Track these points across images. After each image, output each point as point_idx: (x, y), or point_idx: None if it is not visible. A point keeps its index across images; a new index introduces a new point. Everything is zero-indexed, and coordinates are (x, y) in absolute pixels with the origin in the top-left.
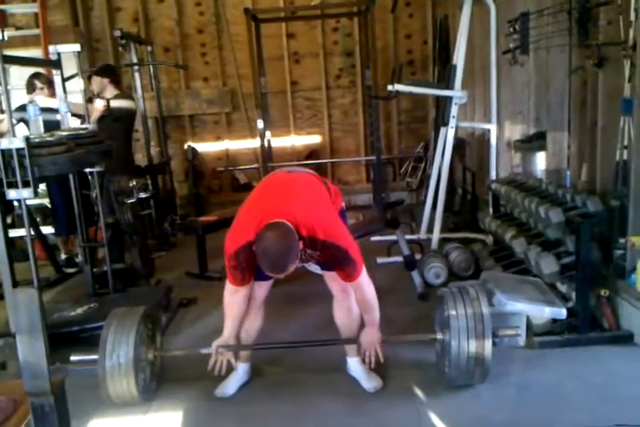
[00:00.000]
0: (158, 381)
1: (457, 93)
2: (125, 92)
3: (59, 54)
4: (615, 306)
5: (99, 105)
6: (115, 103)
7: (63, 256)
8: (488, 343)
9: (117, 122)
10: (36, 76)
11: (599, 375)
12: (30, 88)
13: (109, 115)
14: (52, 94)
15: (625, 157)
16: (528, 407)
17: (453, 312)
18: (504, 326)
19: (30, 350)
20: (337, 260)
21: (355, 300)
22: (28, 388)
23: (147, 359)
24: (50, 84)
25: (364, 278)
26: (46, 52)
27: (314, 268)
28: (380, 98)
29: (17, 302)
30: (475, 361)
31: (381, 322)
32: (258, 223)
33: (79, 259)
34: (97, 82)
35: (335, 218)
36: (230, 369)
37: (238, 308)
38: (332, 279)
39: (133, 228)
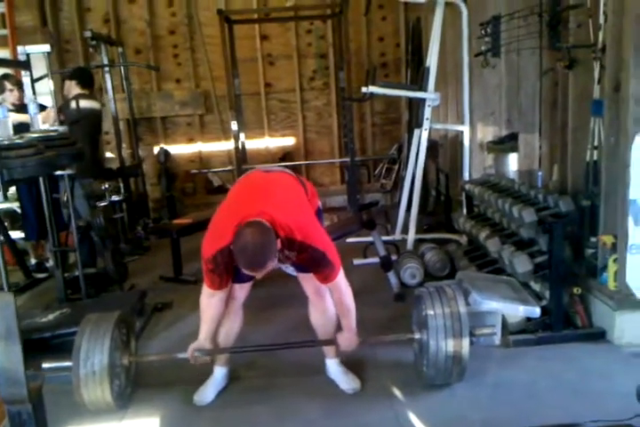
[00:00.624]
0: (133, 386)
1: (430, 95)
2: (86, 94)
3: (28, 55)
4: (587, 304)
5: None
6: (73, 104)
7: (33, 261)
8: (466, 342)
9: (77, 123)
10: (5, 77)
11: (573, 372)
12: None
13: (67, 117)
14: (22, 96)
15: (595, 157)
16: (504, 405)
17: (431, 312)
18: (480, 325)
19: (6, 356)
20: (314, 261)
21: (330, 301)
22: (4, 395)
23: (122, 365)
24: (20, 85)
25: (342, 280)
26: (14, 52)
27: (290, 270)
28: (354, 100)
29: None
30: (453, 360)
31: (358, 323)
32: (236, 226)
33: (49, 264)
34: (66, 85)
35: (313, 219)
36: (208, 370)
37: (215, 311)
38: (307, 281)
39: (105, 231)
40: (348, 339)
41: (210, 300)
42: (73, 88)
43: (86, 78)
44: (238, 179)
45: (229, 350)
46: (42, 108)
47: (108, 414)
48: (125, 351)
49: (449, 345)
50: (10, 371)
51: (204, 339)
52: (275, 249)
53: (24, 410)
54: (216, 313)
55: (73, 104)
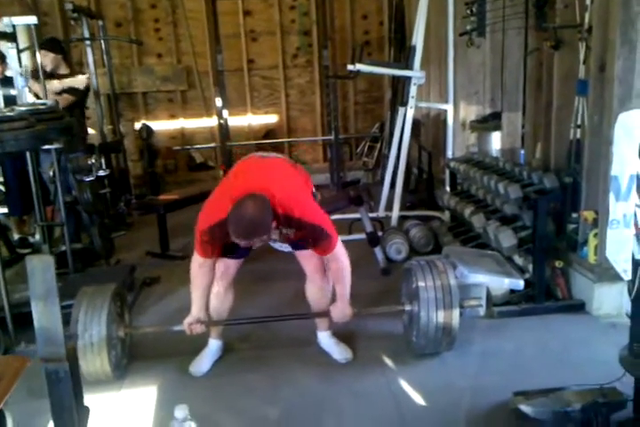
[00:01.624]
0: (129, 357)
1: (417, 74)
2: (76, 69)
3: (14, 26)
4: (568, 277)
5: (55, 87)
6: (76, 82)
7: (16, 236)
8: (456, 313)
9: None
10: None
11: (555, 341)
12: None
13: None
14: (5, 69)
15: (578, 135)
16: (491, 373)
17: (422, 284)
18: (467, 297)
19: (46, 316)
20: (313, 236)
21: (327, 279)
22: (43, 354)
23: (118, 337)
24: (2, 59)
25: (340, 249)
26: None
27: (284, 247)
28: (339, 77)
29: (32, 269)
30: (443, 330)
31: (352, 303)
32: (235, 199)
33: (33, 239)
34: (50, 58)
35: (309, 197)
36: (202, 343)
37: (206, 280)
38: (305, 259)
39: (93, 206)
40: (341, 310)
41: (201, 269)
42: (62, 64)
43: (65, 52)
44: (235, 164)
45: (225, 322)
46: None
47: (106, 384)
48: (121, 323)
49: (439, 316)
50: (49, 330)
51: (197, 310)
52: (268, 225)
53: (61, 368)
54: (207, 282)
55: (76, 82)
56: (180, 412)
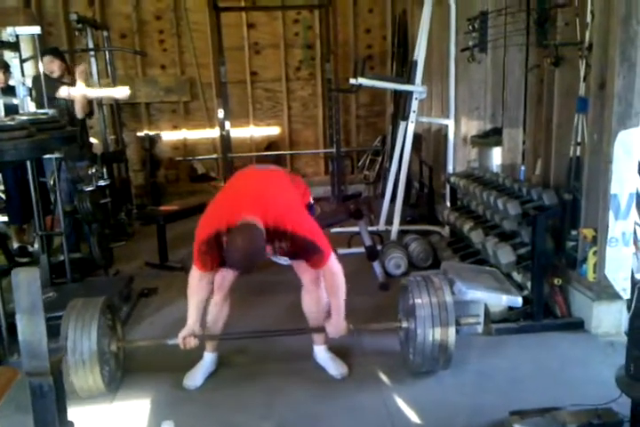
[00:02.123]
0: (123, 370)
1: (418, 88)
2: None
3: (17, 36)
4: (567, 294)
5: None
6: (116, 92)
7: (15, 245)
8: (452, 331)
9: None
10: None
11: (553, 360)
12: None
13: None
14: (7, 79)
15: (578, 153)
16: (487, 391)
17: (419, 301)
18: (465, 315)
19: (30, 329)
20: (305, 250)
21: (324, 291)
22: (27, 368)
23: (110, 351)
24: (6, 68)
25: (334, 264)
26: None
27: (282, 260)
28: (341, 91)
29: (17, 282)
30: (439, 348)
31: (348, 319)
32: (231, 214)
33: (32, 248)
34: (57, 64)
35: (302, 211)
36: (197, 356)
37: (203, 294)
38: (303, 270)
39: (93, 216)
40: (336, 326)
41: (200, 283)
42: (65, 72)
43: (62, 55)
44: (234, 174)
45: (221, 336)
46: (30, 91)
47: (98, 396)
48: (113, 337)
49: (436, 334)
50: (33, 344)
51: (193, 323)
52: (262, 253)
53: (45, 382)
54: (204, 296)
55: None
56: None
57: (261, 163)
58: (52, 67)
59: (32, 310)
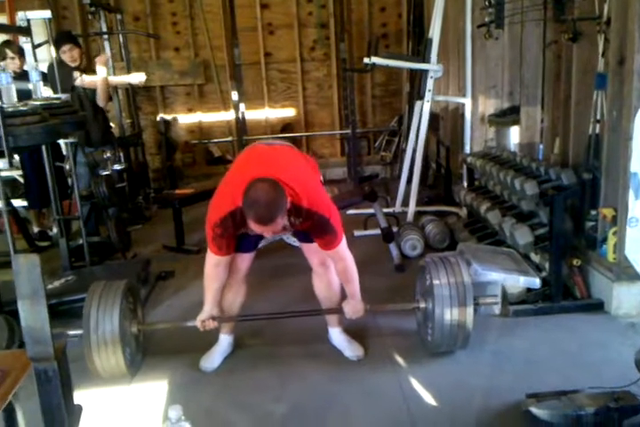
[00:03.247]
0: (143, 353)
1: (433, 67)
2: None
3: (28, 21)
4: (586, 275)
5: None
6: (132, 78)
7: (35, 230)
8: (470, 311)
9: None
10: (6, 44)
11: (571, 342)
12: (0, 57)
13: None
14: (23, 64)
15: (597, 130)
16: (504, 372)
17: (437, 281)
18: (483, 295)
19: (33, 315)
20: (318, 228)
21: (334, 273)
22: (31, 353)
23: (131, 333)
24: (21, 53)
25: (344, 248)
26: (12, 18)
27: (292, 240)
28: (356, 70)
29: (18, 268)
30: (457, 328)
31: (360, 292)
32: (245, 187)
33: (52, 232)
34: (78, 53)
35: (319, 187)
36: (214, 338)
37: (220, 280)
38: (311, 252)
39: (109, 200)
40: (353, 307)
41: (216, 269)
42: (81, 57)
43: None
44: (241, 152)
45: (239, 318)
46: (43, 76)
47: (117, 378)
48: (134, 320)
49: (454, 313)
50: (36, 330)
51: (210, 308)
52: (285, 205)
53: (50, 367)
54: (221, 282)
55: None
56: (174, 412)
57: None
58: (74, 55)
59: (33, 296)
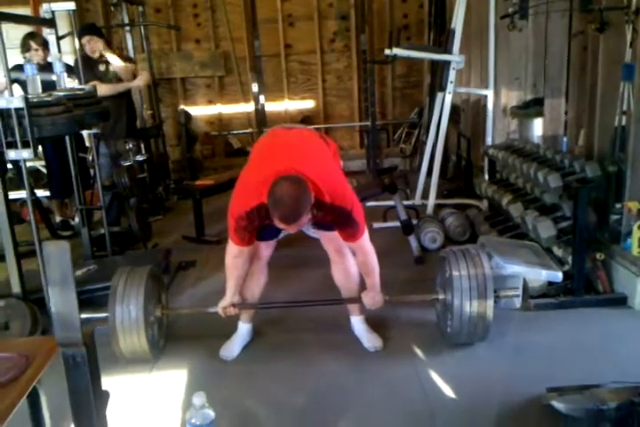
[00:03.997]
0: (166, 339)
1: (455, 58)
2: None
3: (53, 13)
4: (610, 270)
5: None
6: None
7: (58, 219)
8: (490, 303)
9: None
10: (31, 36)
11: (594, 336)
12: (24, 48)
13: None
14: (47, 56)
15: (624, 122)
16: (525, 366)
17: (456, 273)
18: (503, 288)
19: (62, 301)
20: (340, 221)
21: (351, 260)
22: (59, 339)
23: (155, 317)
24: (45, 45)
25: (366, 240)
26: (36, 10)
27: (311, 231)
28: (376, 62)
29: (48, 255)
30: (477, 320)
31: (384, 290)
32: (271, 182)
33: (74, 222)
34: (102, 43)
35: (341, 178)
36: (233, 325)
37: (241, 269)
38: (328, 241)
39: (130, 191)
40: (372, 298)
41: (237, 259)
42: (107, 49)
43: (99, 31)
44: (261, 137)
45: (258, 305)
46: (67, 67)
47: (137, 365)
48: (158, 304)
49: (474, 305)
50: (65, 315)
51: (231, 295)
52: (310, 203)
53: (78, 353)
54: (242, 271)
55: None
56: (198, 399)
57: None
58: (93, 46)
59: (63, 282)
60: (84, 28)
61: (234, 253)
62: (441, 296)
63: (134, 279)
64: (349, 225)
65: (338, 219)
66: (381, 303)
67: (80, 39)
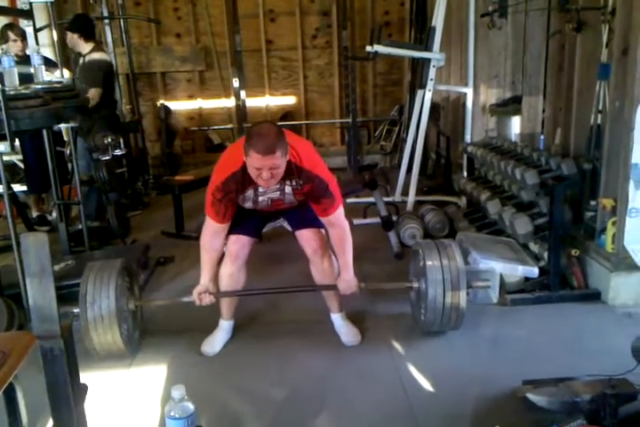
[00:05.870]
0: (142, 331)
1: (436, 56)
2: (96, 46)
3: (30, 4)
4: (584, 265)
5: None
6: (94, 56)
7: (35, 214)
8: (463, 292)
9: (91, 77)
10: (9, 27)
11: (569, 330)
12: (3, 39)
13: (90, 69)
14: (25, 47)
15: (599, 121)
16: (501, 360)
17: (430, 262)
18: (476, 279)
19: (40, 293)
20: (318, 191)
21: (329, 261)
22: (37, 331)
23: (128, 310)
24: (23, 36)
25: (342, 215)
26: (13, 1)
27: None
28: (358, 58)
29: (26, 246)
30: (450, 308)
31: (360, 278)
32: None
33: (51, 217)
34: (68, 37)
35: (319, 156)
36: (214, 319)
37: (216, 250)
38: (305, 240)
39: (109, 185)
40: (347, 282)
41: (212, 238)
42: (78, 43)
43: (88, 29)
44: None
45: (234, 293)
46: (46, 60)
47: (116, 361)
48: (131, 296)
49: (447, 294)
50: (43, 308)
51: (206, 281)
52: (286, 143)
53: (56, 346)
54: (217, 253)
55: (93, 56)
56: (177, 392)
57: None
58: (70, 41)
59: (42, 274)
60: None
61: (210, 230)
62: (415, 285)
63: (104, 274)
64: (326, 197)
65: (316, 189)
66: (355, 288)
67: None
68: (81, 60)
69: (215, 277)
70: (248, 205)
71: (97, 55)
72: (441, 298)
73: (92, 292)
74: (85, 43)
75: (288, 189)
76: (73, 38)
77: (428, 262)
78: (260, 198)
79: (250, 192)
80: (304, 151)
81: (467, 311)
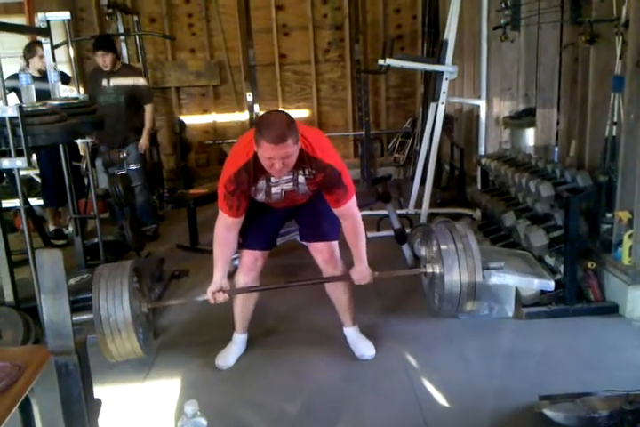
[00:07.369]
0: (154, 332)
1: (448, 68)
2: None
3: (48, 22)
4: (601, 278)
5: None
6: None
7: (52, 228)
8: (479, 274)
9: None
10: (39, 43)
11: (586, 344)
12: (30, 54)
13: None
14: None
15: (614, 133)
16: (517, 374)
17: (444, 246)
18: (495, 299)
19: (55, 309)
20: (331, 181)
21: (340, 269)
22: (52, 347)
23: (142, 313)
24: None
25: (354, 205)
26: (31, 19)
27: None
28: (370, 72)
29: (41, 263)
30: (467, 289)
31: (373, 293)
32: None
33: (68, 231)
34: (109, 59)
35: (331, 144)
36: (228, 332)
37: (230, 246)
38: (316, 251)
39: (124, 200)
40: (360, 273)
41: (226, 232)
42: (114, 61)
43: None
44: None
45: (248, 289)
46: (63, 76)
47: (130, 375)
48: (143, 299)
49: (463, 275)
50: (57, 324)
51: (220, 278)
52: (296, 129)
53: (70, 361)
54: (231, 249)
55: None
56: (190, 408)
57: None
58: (106, 60)
59: (56, 290)
60: (96, 40)
61: (222, 225)
62: (429, 270)
63: (115, 279)
64: (339, 186)
65: (328, 178)
66: (370, 278)
67: (94, 53)
68: (104, 80)
69: (228, 275)
70: (260, 197)
71: (143, 80)
72: (457, 282)
73: (106, 298)
74: (118, 60)
75: (301, 178)
76: (112, 58)
77: (443, 247)
78: (274, 190)
79: (262, 183)
80: (316, 140)
81: (484, 326)
